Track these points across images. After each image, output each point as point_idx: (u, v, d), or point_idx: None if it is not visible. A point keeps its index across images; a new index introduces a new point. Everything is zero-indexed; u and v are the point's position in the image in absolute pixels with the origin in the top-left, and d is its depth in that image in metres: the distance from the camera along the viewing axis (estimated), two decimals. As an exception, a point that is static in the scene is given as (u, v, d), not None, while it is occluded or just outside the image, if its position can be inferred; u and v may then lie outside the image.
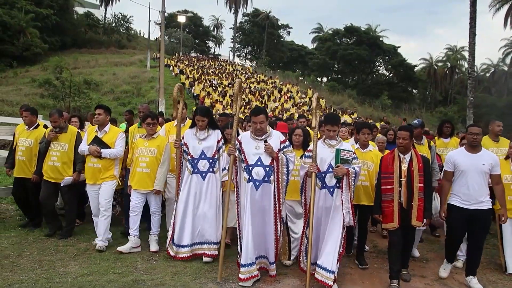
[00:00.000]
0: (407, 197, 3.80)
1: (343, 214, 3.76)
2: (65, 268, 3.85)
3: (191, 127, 4.43)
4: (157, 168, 4.47)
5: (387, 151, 5.27)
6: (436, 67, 46.11)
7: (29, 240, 4.60)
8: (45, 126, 5.30)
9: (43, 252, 4.25)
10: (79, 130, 5.43)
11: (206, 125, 4.33)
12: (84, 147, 4.61)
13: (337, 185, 3.83)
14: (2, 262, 3.90)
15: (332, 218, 3.78)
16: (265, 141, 3.81)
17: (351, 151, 3.90)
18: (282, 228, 3.98)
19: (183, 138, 4.37)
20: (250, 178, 3.81)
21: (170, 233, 4.30)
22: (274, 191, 3.82)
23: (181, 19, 32.36)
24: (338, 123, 4.07)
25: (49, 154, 4.82)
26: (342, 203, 3.78)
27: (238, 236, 3.94)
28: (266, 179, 3.79)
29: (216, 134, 4.37)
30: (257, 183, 3.78)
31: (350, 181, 3.79)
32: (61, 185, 4.75)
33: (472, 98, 17.23)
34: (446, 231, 4.25)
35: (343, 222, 3.75)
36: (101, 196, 4.54)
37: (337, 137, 4.05)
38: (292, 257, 4.33)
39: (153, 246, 4.49)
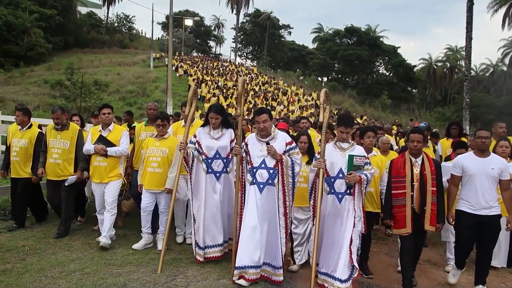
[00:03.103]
0: (420, 202, 3.71)
1: (354, 222, 3.66)
2: (111, 249, 4.47)
3: (203, 125, 4.29)
4: (168, 168, 4.47)
5: (393, 152, 5.31)
6: (435, 67, 46.67)
7: (73, 227, 5.18)
8: (39, 127, 5.38)
9: (89, 237, 4.87)
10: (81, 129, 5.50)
11: (220, 123, 4.19)
12: (89, 147, 4.62)
13: (348, 191, 3.70)
14: (59, 244, 4.55)
15: (343, 226, 3.66)
16: (267, 143, 3.77)
17: (364, 156, 3.76)
18: (288, 232, 3.88)
19: (195, 136, 4.23)
20: (254, 181, 3.77)
21: (193, 238, 4.17)
22: (278, 194, 3.76)
23: (188, 22, 32.85)
24: (352, 124, 3.91)
25: (51, 152, 4.82)
26: (354, 210, 3.68)
27: (236, 236, 3.88)
28: (270, 181, 3.73)
29: (229, 134, 4.22)
30: (261, 186, 3.73)
31: (362, 188, 3.67)
32: (65, 184, 4.76)
33: (468, 100, 17.84)
34: (455, 238, 4.15)
35: (353, 230, 3.64)
36: (107, 194, 4.59)
37: (350, 140, 3.89)
38: (297, 262, 4.27)
39: (160, 245, 4.36)
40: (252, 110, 17.34)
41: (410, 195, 3.73)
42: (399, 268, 4.43)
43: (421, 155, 3.83)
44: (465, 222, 3.82)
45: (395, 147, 7.27)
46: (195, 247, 4.14)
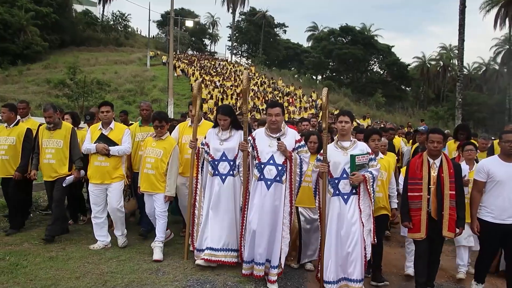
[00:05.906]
0: (437, 206, 3.58)
1: (362, 222, 3.59)
2: (139, 240, 4.91)
3: (214, 126, 4.21)
4: (161, 170, 4.31)
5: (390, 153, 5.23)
6: (429, 65, 47.44)
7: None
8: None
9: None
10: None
11: (229, 124, 4.08)
12: (89, 146, 4.43)
13: (353, 191, 3.62)
14: (90, 236, 4.82)
15: (352, 228, 3.56)
16: (278, 139, 3.72)
17: (367, 153, 3.66)
18: (291, 231, 3.84)
19: (205, 137, 4.19)
20: (261, 177, 3.71)
21: (191, 238, 4.16)
22: (285, 192, 3.71)
23: (189, 23, 33.28)
24: (351, 115, 3.80)
25: (44, 152, 4.67)
26: (361, 210, 3.60)
27: (241, 232, 3.91)
28: (278, 178, 3.68)
29: (239, 135, 4.05)
30: (269, 182, 3.68)
31: (368, 186, 3.58)
32: (63, 185, 4.63)
33: (460, 99, 18.55)
34: (479, 249, 3.97)
35: (363, 232, 3.59)
36: (112, 198, 4.44)
37: (352, 137, 3.84)
38: (303, 261, 4.29)
39: (157, 255, 4.19)
40: (251, 111, 17.71)
41: (427, 198, 3.60)
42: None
43: (440, 157, 3.68)
44: (490, 232, 3.68)
45: (406, 148, 7.46)
46: (194, 250, 4.10)
